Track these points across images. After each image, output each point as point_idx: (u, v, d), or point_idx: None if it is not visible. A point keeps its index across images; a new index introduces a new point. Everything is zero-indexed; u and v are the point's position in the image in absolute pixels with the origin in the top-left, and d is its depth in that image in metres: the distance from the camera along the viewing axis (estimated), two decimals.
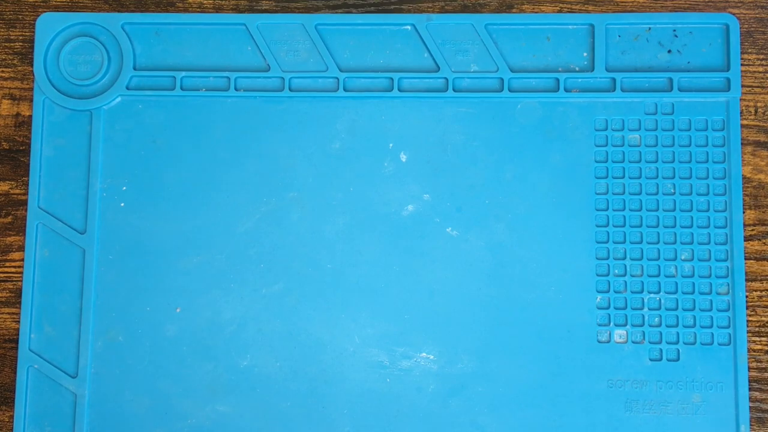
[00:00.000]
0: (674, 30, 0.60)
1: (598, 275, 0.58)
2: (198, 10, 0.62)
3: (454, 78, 0.60)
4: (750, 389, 0.58)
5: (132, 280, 0.59)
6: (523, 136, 0.59)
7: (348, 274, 0.58)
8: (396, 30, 0.60)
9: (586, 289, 0.58)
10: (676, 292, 0.57)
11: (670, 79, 0.59)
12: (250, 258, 0.59)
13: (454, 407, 0.57)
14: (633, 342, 0.57)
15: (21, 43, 0.62)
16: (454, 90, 0.60)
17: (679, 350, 0.57)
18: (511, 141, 0.59)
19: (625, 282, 0.58)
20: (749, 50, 0.61)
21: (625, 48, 0.60)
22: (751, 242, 0.59)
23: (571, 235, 0.58)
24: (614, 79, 0.59)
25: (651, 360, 0.57)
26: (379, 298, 0.58)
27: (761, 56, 0.61)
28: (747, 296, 0.58)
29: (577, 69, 0.60)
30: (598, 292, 0.58)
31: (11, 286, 0.60)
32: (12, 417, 0.59)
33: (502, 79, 0.60)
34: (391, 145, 0.59)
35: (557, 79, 0.59)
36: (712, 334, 0.57)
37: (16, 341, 0.60)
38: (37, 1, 0.63)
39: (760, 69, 0.61)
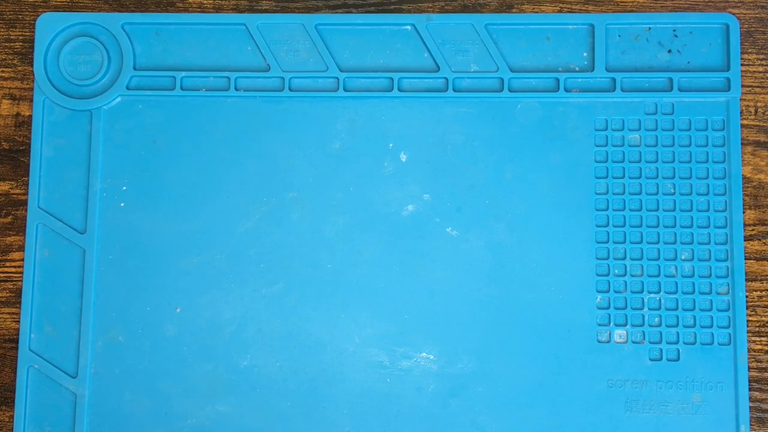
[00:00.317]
0: (674, 30, 0.60)
1: (598, 275, 0.58)
2: (198, 10, 0.62)
3: (454, 78, 0.60)
4: (750, 389, 0.58)
5: (132, 280, 0.59)
6: (523, 136, 0.59)
7: (348, 274, 0.58)
8: (396, 30, 0.60)
9: (586, 289, 0.58)
10: (676, 292, 0.57)
11: (670, 79, 0.59)
12: (250, 258, 0.59)
13: (454, 407, 0.57)
14: (633, 342, 0.57)
15: (21, 43, 0.62)
16: (454, 90, 0.60)
17: (679, 350, 0.57)
18: (511, 141, 0.59)
19: (625, 282, 0.58)
20: (749, 50, 0.61)
21: (625, 48, 0.60)
22: (751, 242, 0.59)
23: (571, 235, 0.58)
24: (614, 79, 0.59)
25: (651, 360, 0.57)
26: (379, 298, 0.58)
27: (761, 56, 0.61)
28: (747, 296, 0.58)
29: (577, 69, 0.60)
30: (598, 292, 0.58)
31: (11, 286, 0.60)
32: (12, 417, 0.59)
33: (502, 79, 0.60)
34: (391, 145, 0.59)
35: (557, 79, 0.59)
36: (712, 334, 0.57)
37: (16, 341, 0.60)
38: (37, 1, 0.63)
39: (760, 69, 0.61)
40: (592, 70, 0.59)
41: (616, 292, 0.58)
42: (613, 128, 0.59)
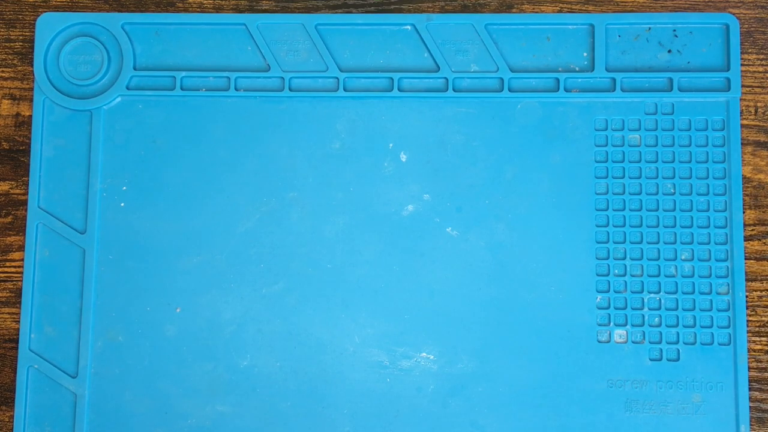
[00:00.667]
0: (674, 30, 0.60)
1: (598, 275, 0.58)
2: (198, 10, 0.62)
3: (454, 78, 0.60)
4: (750, 389, 0.58)
5: (132, 280, 0.59)
6: (523, 136, 0.59)
7: (348, 274, 0.58)
8: (396, 30, 0.60)
9: (586, 289, 0.58)
10: (676, 292, 0.57)
11: (670, 79, 0.59)
12: (250, 258, 0.59)
13: (454, 407, 0.57)
14: (633, 342, 0.57)
15: (21, 43, 0.62)
16: (454, 90, 0.60)
17: (679, 350, 0.57)
18: (511, 141, 0.59)
19: (625, 282, 0.58)
20: (749, 50, 0.61)
21: (625, 48, 0.60)
22: (751, 242, 0.59)
23: (571, 235, 0.58)
24: (614, 79, 0.59)
25: (651, 360, 0.57)
26: (379, 298, 0.58)
27: (761, 56, 0.61)
28: (747, 296, 0.58)
29: (577, 69, 0.60)
30: (598, 292, 0.58)
31: (11, 286, 0.60)
32: (12, 417, 0.59)
33: (502, 79, 0.60)
34: (391, 145, 0.59)
35: (557, 79, 0.59)
36: (712, 334, 0.57)
37: (16, 341, 0.60)
38: (37, 1, 0.63)
39: (760, 69, 0.61)
40: (592, 70, 0.59)
41: (616, 292, 0.58)
42: (613, 128, 0.59)
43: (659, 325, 0.57)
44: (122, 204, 0.59)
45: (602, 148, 0.59)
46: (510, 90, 0.59)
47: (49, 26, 0.61)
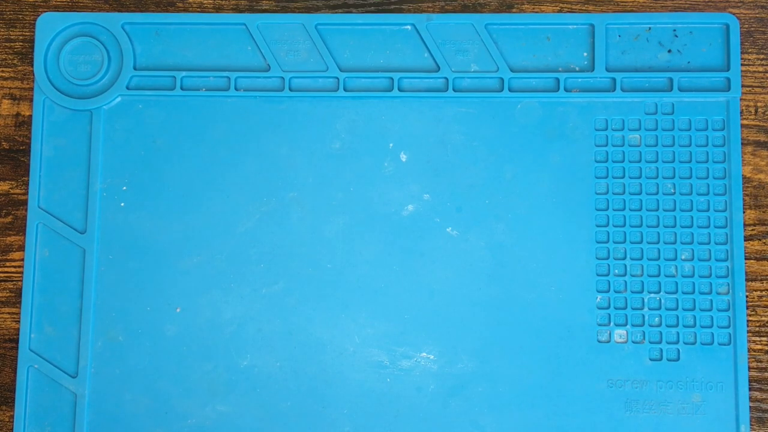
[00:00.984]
0: (674, 30, 0.60)
1: (598, 275, 0.58)
2: (198, 10, 0.62)
3: (454, 78, 0.60)
4: (750, 389, 0.58)
5: (132, 280, 0.59)
6: (523, 136, 0.59)
7: (348, 274, 0.58)
8: (396, 30, 0.60)
9: (586, 289, 0.58)
10: (676, 292, 0.57)
11: (670, 79, 0.59)
12: (250, 258, 0.59)
13: (454, 407, 0.57)
14: (633, 342, 0.57)
15: (21, 43, 0.62)
16: (454, 90, 0.60)
17: (679, 350, 0.57)
18: (511, 141, 0.59)
19: (625, 282, 0.58)
20: (749, 50, 0.61)
21: (625, 48, 0.60)
22: (751, 242, 0.59)
23: (571, 235, 0.58)
24: (614, 79, 0.59)
25: (651, 360, 0.57)
26: (379, 298, 0.58)
27: (761, 56, 0.61)
28: (747, 296, 0.58)
29: (577, 69, 0.60)
30: (598, 292, 0.58)
31: (11, 286, 0.60)
32: (12, 417, 0.59)
33: (502, 79, 0.60)
34: (391, 145, 0.59)
35: (557, 79, 0.59)
36: (712, 333, 0.57)
37: (16, 341, 0.60)
38: (37, 1, 0.63)
39: (760, 69, 0.61)
40: (592, 70, 0.59)
41: (616, 292, 0.58)
42: (613, 128, 0.59)
43: (659, 325, 0.57)
44: (122, 204, 0.59)
45: (602, 148, 0.59)
46: (510, 90, 0.59)
47: (49, 26, 0.61)
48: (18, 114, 0.62)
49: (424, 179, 0.59)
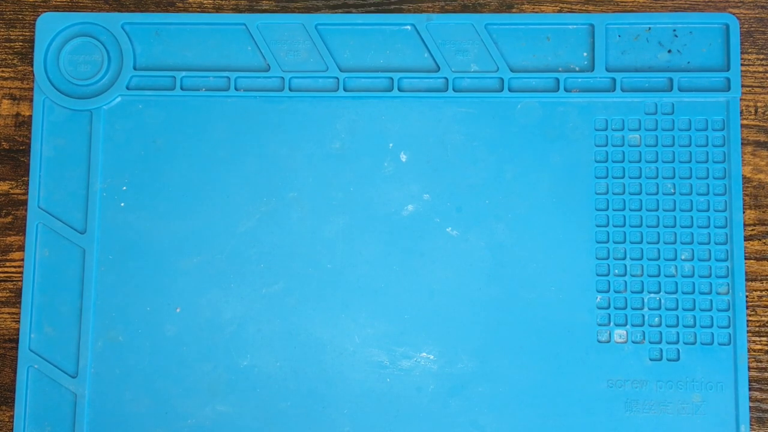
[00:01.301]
0: (674, 30, 0.60)
1: (598, 275, 0.58)
2: (198, 10, 0.62)
3: (454, 78, 0.60)
4: (750, 389, 0.58)
5: (132, 280, 0.59)
6: (523, 136, 0.59)
7: (348, 274, 0.58)
8: (396, 30, 0.60)
9: (586, 289, 0.58)
10: (676, 292, 0.57)
11: (670, 79, 0.59)
12: (250, 258, 0.59)
13: (454, 407, 0.57)
14: (633, 342, 0.57)
15: (21, 43, 0.62)
16: (454, 90, 0.60)
17: (679, 350, 0.57)
18: (511, 141, 0.59)
19: (625, 282, 0.58)
20: (749, 50, 0.61)
21: (625, 48, 0.60)
22: (751, 242, 0.59)
23: (571, 235, 0.58)
24: (614, 79, 0.59)
25: (651, 360, 0.57)
26: (379, 298, 0.58)
27: (761, 56, 0.61)
28: (747, 296, 0.58)
29: (577, 69, 0.60)
30: (598, 292, 0.58)
31: (11, 286, 0.60)
32: (12, 417, 0.59)
33: (502, 79, 0.60)
34: (391, 145, 0.59)
35: (557, 79, 0.59)
36: (712, 334, 0.57)
37: (16, 341, 0.60)
38: (37, 1, 0.63)
39: (760, 69, 0.61)
40: (592, 70, 0.59)
41: (616, 292, 0.58)
42: (613, 128, 0.59)
43: (659, 325, 0.57)
44: (122, 204, 0.59)
45: (602, 148, 0.59)
46: (510, 90, 0.59)
47: (49, 26, 0.61)
48: (18, 114, 0.62)
49: (424, 179, 0.59)
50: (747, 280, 0.59)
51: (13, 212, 0.61)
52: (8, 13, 0.63)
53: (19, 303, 0.60)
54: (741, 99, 0.60)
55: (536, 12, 0.61)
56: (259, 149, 0.59)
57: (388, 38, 0.60)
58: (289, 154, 0.59)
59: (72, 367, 0.58)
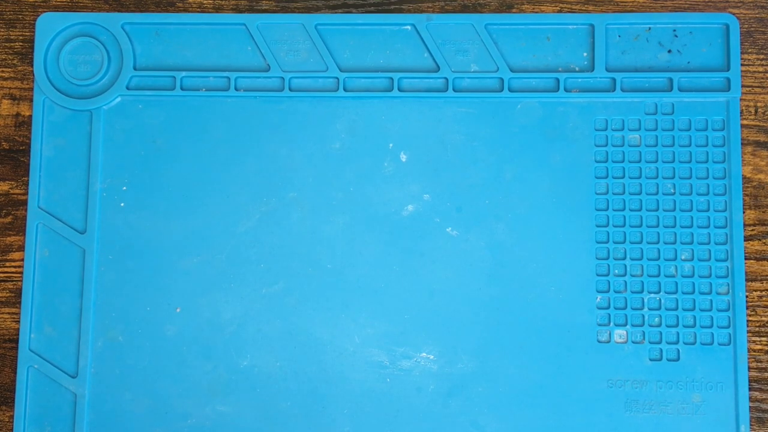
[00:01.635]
0: (674, 30, 0.60)
1: (598, 275, 0.58)
2: (198, 10, 0.62)
3: (454, 78, 0.60)
4: (750, 389, 0.58)
5: (132, 280, 0.59)
6: (523, 136, 0.59)
7: (348, 274, 0.58)
8: (396, 30, 0.60)
9: (586, 289, 0.58)
10: (676, 292, 0.57)
11: (670, 79, 0.59)
12: (250, 258, 0.59)
13: (454, 407, 0.57)
14: (633, 342, 0.57)
15: (21, 43, 0.62)
16: (454, 90, 0.60)
17: (679, 350, 0.57)
18: (511, 141, 0.59)
19: (625, 282, 0.58)
20: (749, 50, 0.61)
21: (625, 48, 0.60)
22: (751, 242, 0.59)
23: (571, 235, 0.58)
24: (614, 79, 0.59)
25: (651, 360, 0.57)
26: (379, 298, 0.58)
27: (761, 56, 0.61)
28: (747, 296, 0.58)
29: (577, 69, 0.60)
30: (598, 292, 0.58)
31: (11, 286, 0.60)
32: (12, 417, 0.59)
33: (502, 79, 0.60)
34: (391, 145, 0.59)
35: (557, 79, 0.59)
36: (712, 334, 0.57)
37: (16, 341, 0.60)
38: (37, 1, 0.63)
39: (760, 69, 0.61)
40: (592, 70, 0.59)
41: (616, 292, 0.58)
42: (613, 128, 0.59)
43: (659, 325, 0.57)
44: (122, 204, 0.59)
45: (602, 148, 0.59)
46: (510, 90, 0.59)
47: (49, 26, 0.61)
48: (18, 114, 0.62)
49: (424, 179, 0.59)
50: (747, 280, 0.59)
51: (13, 212, 0.61)
52: (8, 13, 0.63)
53: (19, 303, 0.60)
54: (741, 99, 0.60)
55: (536, 12, 0.61)
56: (259, 149, 0.59)
57: (388, 38, 0.60)
58: (289, 154, 0.59)
59: (72, 367, 0.58)
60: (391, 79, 0.60)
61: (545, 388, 0.57)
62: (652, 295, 0.57)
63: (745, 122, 0.60)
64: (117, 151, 0.60)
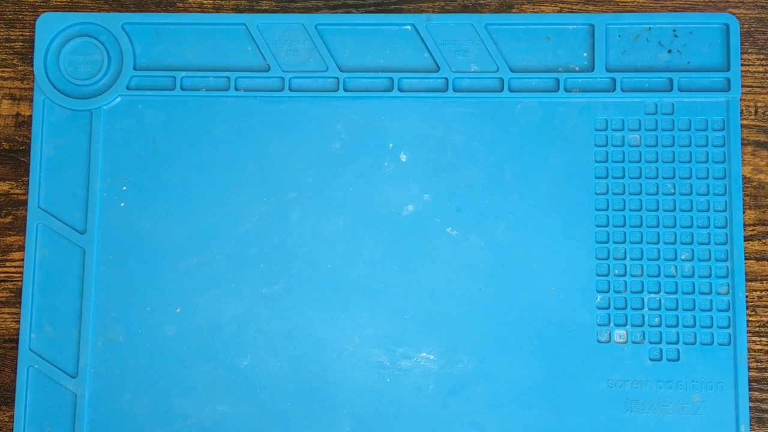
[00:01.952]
0: (674, 30, 0.60)
1: (598, 275, 0.58)
2: (198, 10, 0.62)
3: (454, 78, 0.60)
4: (750, 389, 0.58)
5: (132, 280, 0.59)
6: (523, 136, 0.59)
7: (348, 274, 0.58)
8: (396, 30, 0.60)
9: (586, 289, 0.58)
10: (676, 292, 0.57)
11: (670, 79, 0.59)
12: (250, 258, 0.59)
13: (454, 407, 0.57)
14: (633, 342, 0.57)
15: (21, 43, 0.62)
16: (454, 90, 0.60)
17: (679, 350, 0.57)
18: (511, 141, 0.59)
19: (625, 282, 0.58)
20: (749, 50, 0.61)
21: (625, 48, 0.60)
22: (751, 242, 0.59)
23: (571, 235, 0.58)
24: (614, 79, 0.59)
25: (651, 360, 0.57)
26: (379, 298, 0.58)
27: (761, 56, 0.61)
28: (747, 296, 0.58)
29: (577, 69, 0.60)
30: (598, 292, 0.58)
31: (11, 286, 0.60)
32: (12, 417, 0.59)
33: (502, 79, 0.60)
34: (391, 145, 0.59)
35: (557, 79, 0.59)
36: (712, 334, 0.57)
37: (16, 341, 0.60)
38: (37, 1, 0.63)
39: (760, 69, 0.61)
40: (592, 70, 0.59)
41: (616, 292, 0.58)
42: (613, 128, 0.59)
43: (659, 325, 0.57)
44: (122, 204, 0.59)
45: (602, 148, 0.59)
46: (510, 90, 0.59)
47: (49, 26, 0.61)
48: (18, 114, 0.62)
49: (424, 179, 0.59)
50: (747, 280, 0.59)
51: (13, 212, 0.61)
52: (8, 13, 0.63)
53: (19, 303, 0.60)
54: (741, 99, 0.60)
55: (536, 12, 0.61)
56: (259, 149, 0.59)
57: (388, 38, 0.60)
58: (289, 154, 0.59)
59: (72, 367, 0.58)
60: (391, 79, 0.60)
61: (545, 388, 0.57)
62: (652, 295, 0.57)
63: (745, 122, 0.60)
64: (117, 151, 0.60)
